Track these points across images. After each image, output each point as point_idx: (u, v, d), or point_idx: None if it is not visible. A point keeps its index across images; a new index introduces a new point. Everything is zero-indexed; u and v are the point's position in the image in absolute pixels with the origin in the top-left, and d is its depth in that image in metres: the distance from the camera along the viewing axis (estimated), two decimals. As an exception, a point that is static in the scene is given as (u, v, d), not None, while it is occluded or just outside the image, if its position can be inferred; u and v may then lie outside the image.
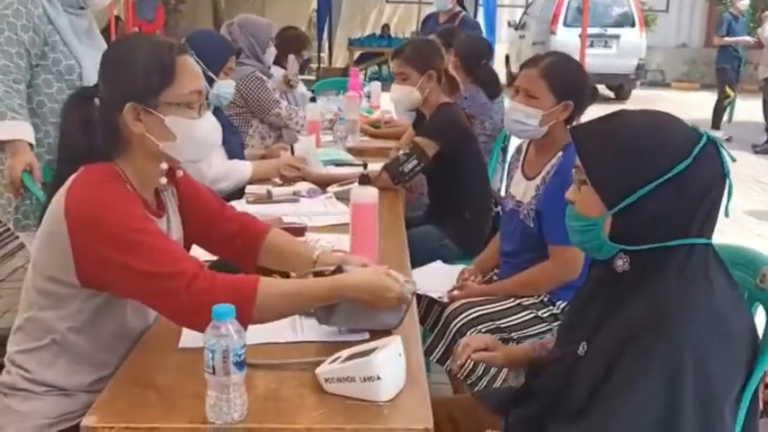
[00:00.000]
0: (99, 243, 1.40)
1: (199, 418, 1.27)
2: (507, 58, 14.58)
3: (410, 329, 1.62)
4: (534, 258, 2.34)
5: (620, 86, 13.22)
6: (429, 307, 2.51)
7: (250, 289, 1.41)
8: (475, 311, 2.29)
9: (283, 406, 1.33)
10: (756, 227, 5.74)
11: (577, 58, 3.40)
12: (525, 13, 14.70)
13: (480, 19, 7.79)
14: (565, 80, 2.30)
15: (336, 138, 3.83)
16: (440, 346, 2.33)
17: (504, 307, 2.32)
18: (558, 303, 2.31)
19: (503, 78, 7.57)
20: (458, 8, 5.69)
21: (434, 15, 5.96)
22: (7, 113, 2.51)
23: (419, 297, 2.33)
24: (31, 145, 2.56)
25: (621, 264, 1.35)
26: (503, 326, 2.26)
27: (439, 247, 2.93)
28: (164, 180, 1.60)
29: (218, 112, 3.04)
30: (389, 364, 1.35)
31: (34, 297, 1.52)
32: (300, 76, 4.67)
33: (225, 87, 3.04)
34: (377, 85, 5.49)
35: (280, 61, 4.39)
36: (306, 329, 1.63)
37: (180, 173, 1.71)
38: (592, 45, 11.41)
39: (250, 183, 2.99)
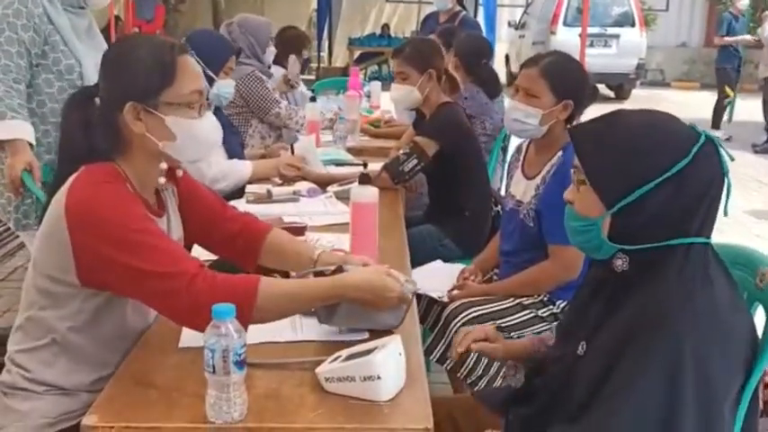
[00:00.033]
0: (99, 243, 1.40)
1: (199, 417, 1.27)
2: (507, 57, 14.57)
3: (410, 329, 1.62)
4: (534, 258, 2.34)
5: (620, 86, 13.22)
6: (429, 306, 2.51)
7: (251, 289, 1.41)
8: (475, 311, 2.29)
9: (283, 405, 1.33)
10: (756, 227, 5.74)
11: (577, 57, 3.41)
12: (525, 12, 14.68)
13: (480, 19, 7.77)
14: (565, 79, 2.30)
15: (336, 137, 3.82)
16: (440, 345, 2.34)
17: (503, 306, 2.32)
18: (557, 303, 2.31)
19: (503, 78, 7.59)
20: (458, 8, 5.68)
21: (434, 15, 5.95)
22: (7, 113, 2.51)
23: (419, 296, 2.33)
24: (31, 144, 2.57)
25: (621, 263, 1.35)
26: (503, 325, 2.26)
27: (439, 246, 2.93)
28: (163, 180, 1.60)
29: (218, 111, 3.04)
30: (389, 364, 1.35)
31: (34, 296, 1.52)
32: (300, 76, 4.67)
33: (225, 87, 3.03)
34: (377, 84, 5.48)
35: (280, 61, 4.39)
36: (306, 329, 1.63)
37: (180, 172, 1.71)
38: (592, 45, 11.42)
39: (250, 182, 2.99)
